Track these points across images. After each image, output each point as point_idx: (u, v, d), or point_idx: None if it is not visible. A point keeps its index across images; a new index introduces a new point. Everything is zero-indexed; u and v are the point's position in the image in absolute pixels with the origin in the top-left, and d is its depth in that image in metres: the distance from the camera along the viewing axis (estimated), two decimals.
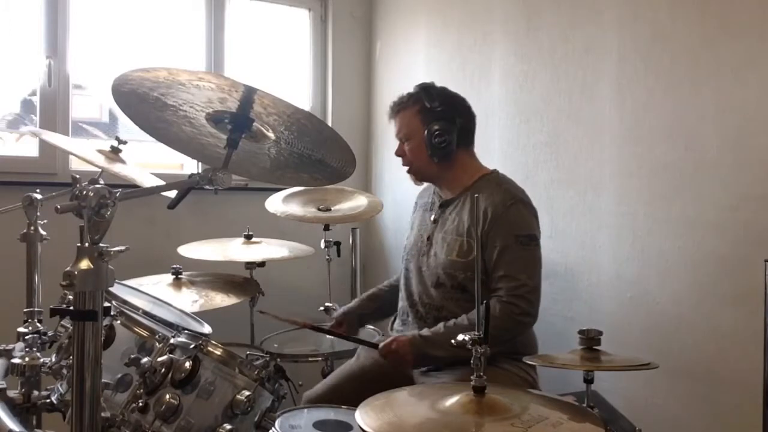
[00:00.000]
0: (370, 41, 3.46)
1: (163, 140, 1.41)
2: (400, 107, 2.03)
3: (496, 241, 1.84)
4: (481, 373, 1.10)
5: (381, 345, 1.86)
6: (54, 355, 1.62)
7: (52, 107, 2.76)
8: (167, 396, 1.35)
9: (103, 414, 1.17)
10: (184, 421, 1.35)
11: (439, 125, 1.93)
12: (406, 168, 2.06)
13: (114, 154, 2.00)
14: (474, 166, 2.03)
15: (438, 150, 1.94)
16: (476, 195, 1.37)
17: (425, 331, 1.86)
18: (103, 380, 1.09)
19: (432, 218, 2.03)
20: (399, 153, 2.05)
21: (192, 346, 1.41)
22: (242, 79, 1.16)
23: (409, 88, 2.05)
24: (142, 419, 1.35)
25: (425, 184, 2.18)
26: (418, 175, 2.06)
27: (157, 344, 1.46)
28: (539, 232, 1.92)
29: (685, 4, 1.89)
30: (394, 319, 2.14)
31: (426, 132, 1.95)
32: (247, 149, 1.34)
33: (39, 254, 1.82)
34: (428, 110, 1.95)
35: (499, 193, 1.90)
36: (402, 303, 2.08)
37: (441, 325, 1.84)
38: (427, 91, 1.98)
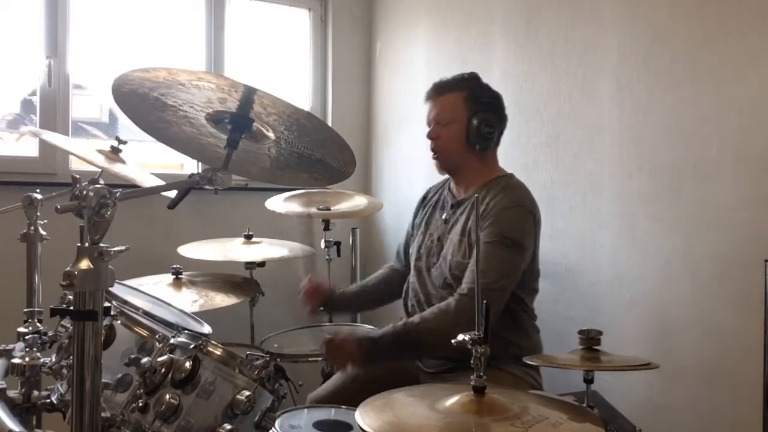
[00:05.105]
0: (370, 41, 3.45)
1: (163, 140, 1.41)
2: (443, 89, 1.98)
3: (484, 237, 1.80)
4: (481, 373, 1.10)
5: (325, 340, 1.80)
6: (54, 355, 1.62)
7: (52, 107, 2.76)
8: (167, 396, 1.34)
9: (103, 414, 1.16)
10: (184, 421, 1.35)
11: (487, 116, 1.92)
12: (434, 153, 1.99)
13: (114, 154, 2.00)
14: (494, 168, 2.00)
15: (480, 140, 1.92)
16: (476, 195, 1.37)
17: (375, 333, 1.85)
18: (103, 380, 1.08)
19: (443, 218, 2.00)
20: (433, 135, 1.98)
21: (192, 346, 1.41)
22: (242, 79, 1.16)
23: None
24: (142, 419, 1.35)
25: (437, 181, 2.16)
26: (445, 162, 2.00)
27: (157, 344, 1.46)
28: (531, 243, 1.86)
29: (685, 4, 1.89)
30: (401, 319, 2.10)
31: (470, 119, 1.91)
32: (247, 149, 1.34)
33: (39, 254, 1.82)
34: (476, 99, 1.93)
35: (503, 197, 1.86)
36: (410, 302, 2.03)
37: (390, 326, 1.80)
38: (477, 80, 1.98)
